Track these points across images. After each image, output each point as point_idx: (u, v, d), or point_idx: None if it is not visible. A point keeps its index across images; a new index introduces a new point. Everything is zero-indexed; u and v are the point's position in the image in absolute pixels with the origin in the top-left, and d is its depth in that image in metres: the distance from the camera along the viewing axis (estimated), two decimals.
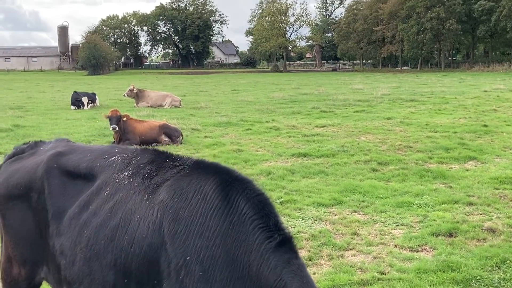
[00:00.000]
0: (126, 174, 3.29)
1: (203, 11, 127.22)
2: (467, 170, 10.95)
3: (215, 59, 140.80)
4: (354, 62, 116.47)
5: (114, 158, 3.46)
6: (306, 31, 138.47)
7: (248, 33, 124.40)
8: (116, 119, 14.38)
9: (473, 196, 8.97)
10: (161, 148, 13.59)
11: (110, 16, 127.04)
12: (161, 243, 2.94)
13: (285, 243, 2.76)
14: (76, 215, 3.33)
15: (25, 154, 3.96)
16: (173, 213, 2.94)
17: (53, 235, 3.43)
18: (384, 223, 7.73)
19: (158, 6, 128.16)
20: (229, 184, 2.94)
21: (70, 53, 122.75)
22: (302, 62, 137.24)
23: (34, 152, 3.95)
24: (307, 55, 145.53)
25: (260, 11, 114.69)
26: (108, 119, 14.56)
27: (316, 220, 7.84)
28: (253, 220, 2.81)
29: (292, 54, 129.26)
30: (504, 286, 5.64)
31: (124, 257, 3.05)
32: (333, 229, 7.44)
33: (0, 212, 3.81)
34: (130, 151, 3.56)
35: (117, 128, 14.24)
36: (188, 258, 2.82)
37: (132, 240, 3.03)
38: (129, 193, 3.18)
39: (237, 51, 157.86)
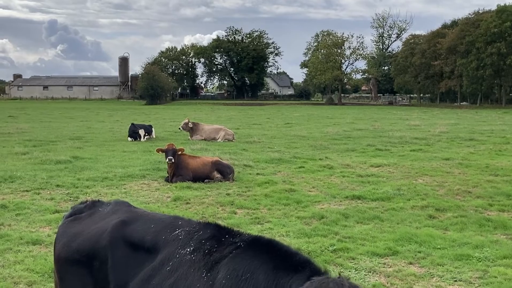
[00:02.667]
0: (188, 249, 3.30)
1: (259, 43, 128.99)
2: None
3: (269, 91, 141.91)
4: (411, 96, 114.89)
5: (177, 232, 3.47)
6: (362, 64, 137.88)
7: (303, 65, 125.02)
8: (173, 151, 14.57)
9: None
10: (213, 185, 13.65)
11: (169, 48, 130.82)
12: None
13: None
14: None
15: (83, 215, 3.98)
16: None
17: None
18: (441, 277, 7.38)
19: (215, 39, 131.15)
20: (276, 266, 2.88)
21: (129, 83, 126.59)
22: (357, 95, 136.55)
23: (92, 212, 3.96)
24: (363, 88, 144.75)
25: (316, 44, 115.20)
26: (164, 152, 14.75)
27: (370, 271, 7.56)
28: None
29: (347, 86, 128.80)
30: None
31: None
32: (387, 283, 7.15)
33: (59, 275, 3.82)
34: (193, 225, 3.54)
35: (173, 160, 14.39)
36: None
37: None
38: (190, 270, 3.20)
39: (291, 82, 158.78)
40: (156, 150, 15.49)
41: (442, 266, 7.78)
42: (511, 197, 12.39)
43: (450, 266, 7.78)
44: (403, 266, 7.79)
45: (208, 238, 3.33)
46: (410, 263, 7.92)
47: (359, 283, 7.09)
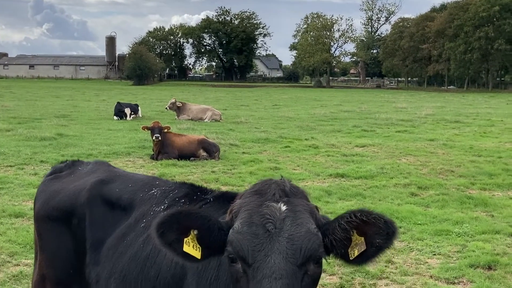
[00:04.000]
0: (162, 207, 3.34)
1: (248, 24, 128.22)
2: (511, 198, 10.55)
3: (258, 73, 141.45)
4: (399, 79, 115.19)
5: (154, 191, 3.52)
6: (351, 47, 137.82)
7: (292, 47, 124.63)
8: (159, 129, 14.57)
9: None
10: (199, 163, 13.66)
11: (156, 28, 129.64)
12: (183, 273, 2.97)
13: None
14: (114, 246, 3.40)
15: (63, 173, 3.99)
16: None
17: (90, 264, 3.49)
18: (420, 251, 7.49)
19: (204, 19, 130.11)
20: None
21: (116, 63, 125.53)
22: (346, 78, 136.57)
23: (72, 172, 3.98)
24: (351, 71, 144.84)
25: (305, 26, 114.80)
26: (150, 130, 14.72)
27: None
28: None
29: (336, 69, 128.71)
30: None
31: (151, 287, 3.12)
32: None
33: (38, 232, 3.84)
34: (169, 184, 3.59)
35: (160, 137, 14.37)
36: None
37: (159, 271, 3.09)
38: None
39: (280, 65, 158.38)
40: (142, 128, 15.45)
41: (422, 240, 7.90)
42: (493, 176, 12.55)
43: (430, 240, 7.89)
44: None
45: (182, 196, 3.39)
46: None
47: None
